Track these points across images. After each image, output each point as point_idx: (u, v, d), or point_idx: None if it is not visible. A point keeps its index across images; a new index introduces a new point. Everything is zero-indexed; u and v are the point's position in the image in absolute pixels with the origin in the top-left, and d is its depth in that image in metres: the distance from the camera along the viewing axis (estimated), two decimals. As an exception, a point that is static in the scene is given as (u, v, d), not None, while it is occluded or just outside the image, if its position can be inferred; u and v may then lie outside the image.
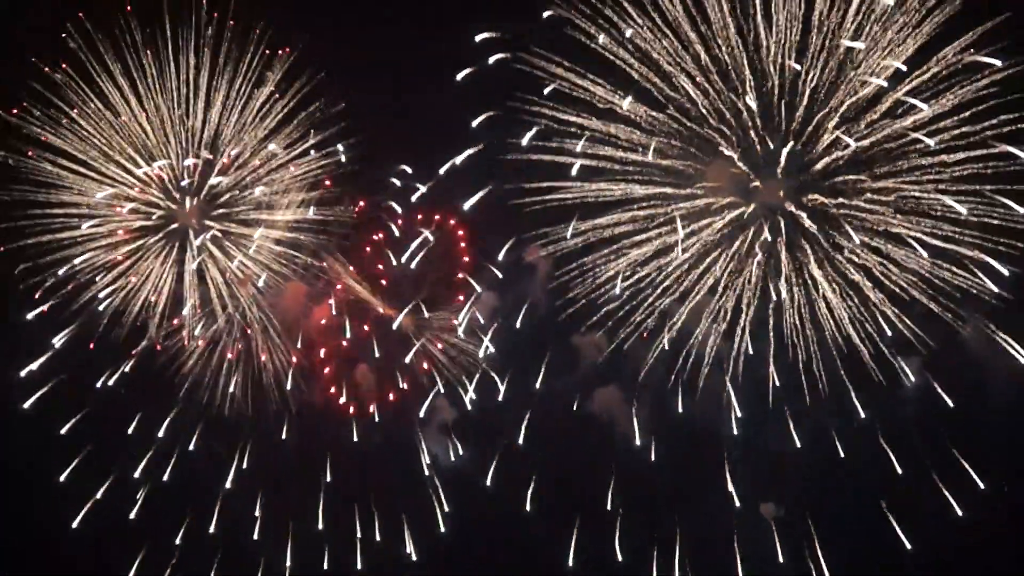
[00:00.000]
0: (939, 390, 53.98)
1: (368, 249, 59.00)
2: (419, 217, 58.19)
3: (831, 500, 56.31)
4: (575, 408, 57.75)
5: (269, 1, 57.67)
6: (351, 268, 58.79)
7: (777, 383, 54.84)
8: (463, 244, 58.50)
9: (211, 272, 58.25)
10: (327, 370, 59.07)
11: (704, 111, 53.01)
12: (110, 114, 57.53)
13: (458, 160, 55.83)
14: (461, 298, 58.41)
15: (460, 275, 58.35)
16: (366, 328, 58.95)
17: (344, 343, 58.91)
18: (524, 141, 53.87)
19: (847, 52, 51.82)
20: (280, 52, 57.55)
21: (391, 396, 58.81)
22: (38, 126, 57.37)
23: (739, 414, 55.69)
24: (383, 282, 58.92)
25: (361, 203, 58.83)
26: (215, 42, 57.27)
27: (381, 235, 58.72)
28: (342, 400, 58.88)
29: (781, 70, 52.13)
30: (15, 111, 57.34)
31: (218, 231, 57.99)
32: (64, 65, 57.04)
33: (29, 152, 57.29)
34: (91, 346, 58.13)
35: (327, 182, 58.47)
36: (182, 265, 58.17)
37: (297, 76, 57.62)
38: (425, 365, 58.72)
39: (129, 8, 56.80)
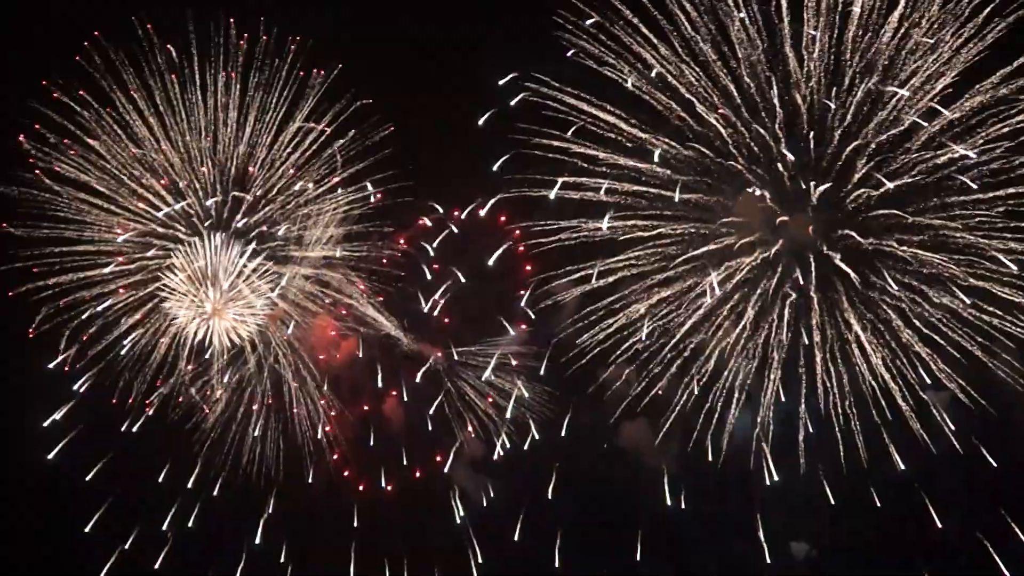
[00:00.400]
0: (976, 440, 52.70)
1: (398, 286, 58.24)
2: (481, 214, 56.95)
3: (865, 550, 55.19)
4: (604, 447, 57.45)
5: (302, 22, 56.65)
6: (381, 305, 58.08)
7: (810, 429, 53.61)
8: (520, 248, 56.99)
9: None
10: (359, 410, 58.67)
11: (733, 149, 52.47)
12: (132, 144, 55.95)
13: (483, 211, 56.13)
14: (508, 330, 57.71)
15: (520, 292, 57.08)
16: (400, 372, 58.45)
17: (377, 383, 58.46)
18: (552, 194, 53.53)
19: (879, 88, 51.27)
20: (315, 72, 56.39)
21: (417, 473, 58.42)
22: (55, 157, 55.65)
23: (770, 461, 54.52)
24: (418, 320, 58.33)
25: (392, 240, 58.19)
26: (245, 66, 56.07)
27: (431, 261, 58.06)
28: (370, 444, 58.32)
29: (811, 105, 51.56)
30: (23, 138, 55.54)
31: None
32: (81, 92, 55.32)
33: (38, 172, 55.39)
34: (115, 392, 56.87)
35: (358, 217, 57.61)
36: (209, 304, 57.61)
37: (333, 101, 56.56)
38: (458, 408, 58.13)
39: (150, 26, 55.06)
